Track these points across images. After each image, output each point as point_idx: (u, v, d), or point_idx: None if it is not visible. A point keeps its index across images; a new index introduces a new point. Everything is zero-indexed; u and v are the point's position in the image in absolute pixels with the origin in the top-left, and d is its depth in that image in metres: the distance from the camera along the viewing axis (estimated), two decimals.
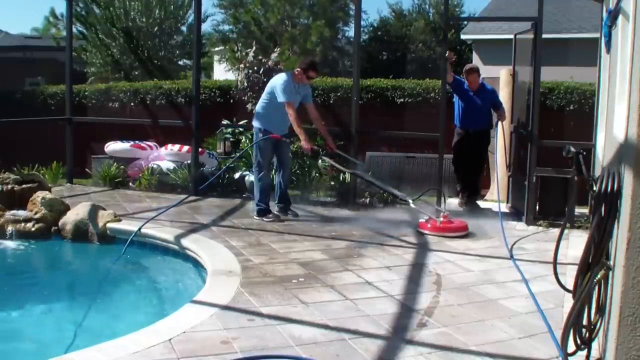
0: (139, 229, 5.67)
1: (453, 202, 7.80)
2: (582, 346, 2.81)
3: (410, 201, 6.16)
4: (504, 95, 8.42)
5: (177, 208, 7.11)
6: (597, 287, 2.71)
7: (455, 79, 7.30)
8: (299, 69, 6.51)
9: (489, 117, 7.44)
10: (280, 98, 6.37)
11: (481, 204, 7.55)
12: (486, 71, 7.61)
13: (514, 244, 5.66)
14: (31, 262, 5.70)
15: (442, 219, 5.97)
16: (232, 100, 10.72)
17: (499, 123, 7.53)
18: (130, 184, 8.84)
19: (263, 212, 6.52)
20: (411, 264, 4.92)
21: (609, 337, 2.54)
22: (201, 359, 3.00)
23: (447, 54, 6.98)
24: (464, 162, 7.40)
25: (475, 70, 7.39)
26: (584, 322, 2.77)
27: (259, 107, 6.65)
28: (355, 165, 7.06)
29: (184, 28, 20.14)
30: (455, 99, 7.44)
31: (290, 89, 6.41)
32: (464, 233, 5.95)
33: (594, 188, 2.64)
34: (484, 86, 7.36)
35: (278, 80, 6.52)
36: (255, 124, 6.62)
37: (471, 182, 7.46)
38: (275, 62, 9.09)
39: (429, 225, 5.97)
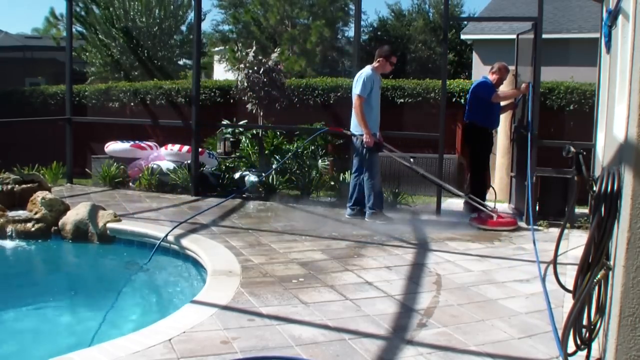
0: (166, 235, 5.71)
1: (453, 203, 7.80)
2: (582, 346, 2.81)
3: (464, 195, 6.78)
4: None
5: (177, 208, 7.12)
6: (597, 287, 2.71)
7: (490, 93, 7.03)
8: (380, 58, 6.50)
9: None
10: (356, 90, 6.39)
11: None
12: (486, 71, 7.59)
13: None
14: (31, 262, 5.70)
15: (495, 215, 6.43)
16: (232, 100, 10.72)
17: None
18: (130, 184, 8.85)
19: (376, 215, 6.54)
20: (411, 264, 4.93)
21: (609, 337, 2.54)
22: (201, 359, 3.00)
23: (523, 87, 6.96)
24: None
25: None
26: (584, 322, 2.77)
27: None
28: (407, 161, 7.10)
29: (183, 28, 20.18)
30: (477, 98, 7.22)
31: (369, 84, 6.38)
32: (515, 227, 6.39)
33: (594, 188, 2.64)
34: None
35: (361, 75, 6.49)
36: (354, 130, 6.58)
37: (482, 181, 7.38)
38: (275, 62, 9.08)
39: (488, 221, 6.40)
